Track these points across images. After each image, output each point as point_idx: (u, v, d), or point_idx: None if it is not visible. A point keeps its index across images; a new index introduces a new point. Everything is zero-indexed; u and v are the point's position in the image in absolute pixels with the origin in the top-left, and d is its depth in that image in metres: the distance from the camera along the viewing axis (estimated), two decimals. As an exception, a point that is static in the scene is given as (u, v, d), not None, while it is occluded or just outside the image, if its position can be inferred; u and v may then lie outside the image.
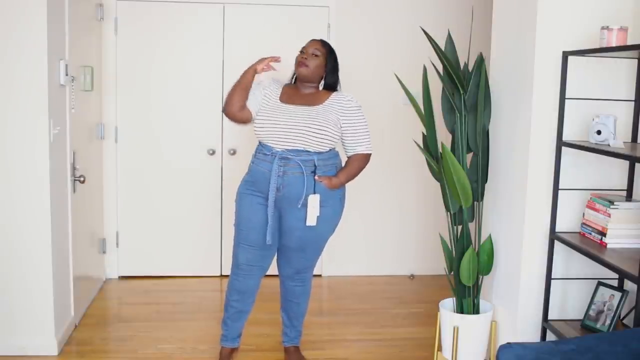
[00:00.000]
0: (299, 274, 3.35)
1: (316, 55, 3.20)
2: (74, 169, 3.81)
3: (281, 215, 3.19)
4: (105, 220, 4.78)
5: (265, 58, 3.22)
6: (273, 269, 3.39)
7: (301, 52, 3.23)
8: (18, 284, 3.41)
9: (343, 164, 3.28)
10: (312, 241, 3.23)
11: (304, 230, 3.17)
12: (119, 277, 4.85)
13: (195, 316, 4.14)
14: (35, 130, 3.33)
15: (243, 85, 3.17)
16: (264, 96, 3.21)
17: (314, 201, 3.10)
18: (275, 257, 3.36)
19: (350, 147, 3.22)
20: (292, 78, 3.31)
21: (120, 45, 4.67)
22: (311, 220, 3.12)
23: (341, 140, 3.21)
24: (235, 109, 3.16)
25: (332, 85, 3.26)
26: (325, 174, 3.13)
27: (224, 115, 3.27)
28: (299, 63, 3.19)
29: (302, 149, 3.08)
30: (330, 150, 3.19)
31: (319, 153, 3.12)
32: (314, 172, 3.10)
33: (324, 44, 3.27)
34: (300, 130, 3.07)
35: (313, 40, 3.29)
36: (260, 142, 3.18)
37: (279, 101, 3.19)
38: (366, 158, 3.25)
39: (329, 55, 3.25)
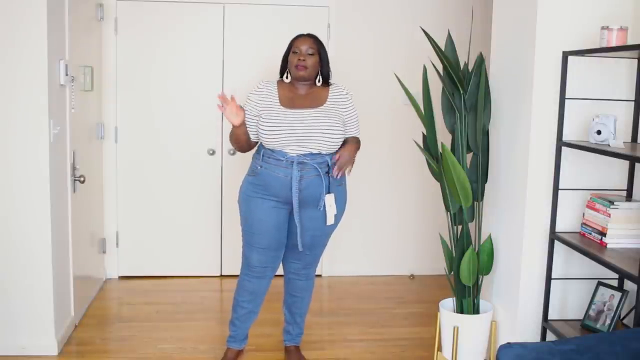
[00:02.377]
0: (305, 268, 3.37)
1: (311, 54, 3.15)
2: (74, 169, 3.81)
3: (292, 216, 3.19)
4: (105, 220, 4.78)
5: (225, 102, 3.05)
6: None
7: (294, 52, 3.17)
8: (18, 284, 3.41)
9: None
10: (322, 238, 3.28)
11: (316, 229, 3.19)
12: (119, 277, 4.85)
13: (195, 316, 4.14)
14: (35, 130, 3.33)
15: (240, 136, 3.17)
16: (258, 106, 3.16)
17: (330, 200, 3.13)
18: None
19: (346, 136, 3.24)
20: (286, 75, 3.23)
21: (120, 45, 4.67)
22: (331, 220, 3.17)
23: None
24: (246, 150, 3.27)
25: (327, 78, 3.25)
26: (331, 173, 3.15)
27: (224, 116, 3.24)
28: (297, 67, 3.13)
29: (316, 152, 3.09)
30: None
31: (330, 154, 3.14)
32: (328, 173, 3.12)
33: (315, 40, 3.20)
34: (315, 135, 3.06)
35: (303, 37, 3.20)
36: (268, 148, 3.13)
37: (281, 106, 3.13)
38: (359, 140, 3.31)
39: (321, 50, 3.21)
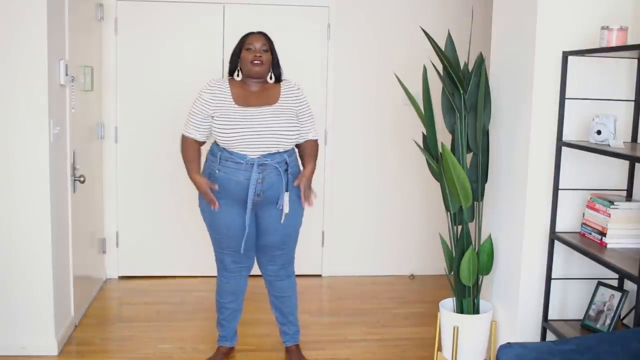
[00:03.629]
0: (283, 268, 3.37)
1: (265, 51, 3.15)
2: (74, 169, 3.81)
3: (258, 216, 3.21)
4: (105, 220, 4.78)
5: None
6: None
7: (248, 49, 3.14)
8: (18, 284, 3.41)
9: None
10: (291, 235, 3.29)
11: (283, 227, 3.21)
12: (119, 277, 4.85)
13: (195, 316, 4.14)
14: (35, 130, 3.33)
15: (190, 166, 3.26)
16: (210, 105, 3.13)
17: (285, 198, 3.15)
18: (256, 258, 3.39)
19: (302, 134, 3.24)
20: (237, 73, 3.20)
21: (120, 45, 4.67)
22: (283, 219, 3.18)
23: None
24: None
25: (279, 76, 3.24)
26: (292, 168, 3.17)
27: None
28: (253, 63, 3.11)
29: (275, 151, 3.09)
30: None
31: (287, 151, 3.15)
32: (287, 171, 3.13)
33: (267, 38, 3.19)
34: (271, 133, 3.06)
35: (255, 35, 3.18)
36: (225, 149, 3.12)
37: (235, 105, 3.11)
38: (317, 144, 3.32)
39: (272, 47, 3.20)
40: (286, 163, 3.13)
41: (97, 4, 4.48)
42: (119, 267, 4.86)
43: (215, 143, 3.20)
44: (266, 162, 3.07)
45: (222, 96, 3.14)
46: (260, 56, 3.11)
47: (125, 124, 4.74)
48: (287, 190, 3.14)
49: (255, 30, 3.26)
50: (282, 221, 3.17)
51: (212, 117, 3.12)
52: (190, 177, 3.22)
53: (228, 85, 3.18)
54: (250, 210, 3.12)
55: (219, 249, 3.32)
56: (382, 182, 5.00)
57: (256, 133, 3.05)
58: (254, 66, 3.11)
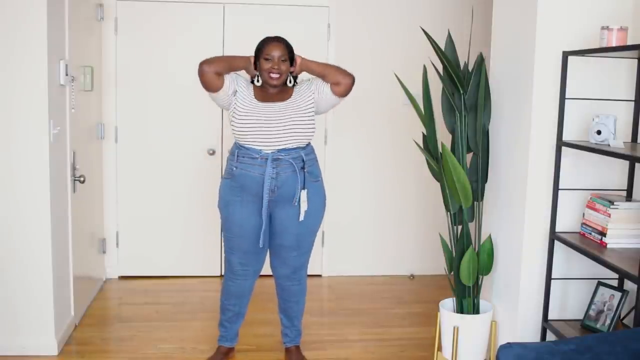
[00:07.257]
0: (295, 272, 3.36)
1: (284, 61, 3.13)
2: (74, 169, 3.81)
3: (273, 215, 3.20)
4: (105, 220, 4.78)
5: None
6: (269, 269, 3.42)
7: (266, 59, 3.11)
8: (18, 284, 3.41)
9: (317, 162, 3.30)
10: (306, 236, 3.27)
11: (298, 227, 3.20)
12: (119, 277, 4.85)
13: (195, 316, 4.14)
14: (35, 130, 3.33)
15: (233, 65, 3.17)
16: (237, 91, 3.15)
17: (303, 196, 3.14)
18: (269, 260, 3.37)
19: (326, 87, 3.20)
20: (257, 78, 3.20)
21: (120, 45, 4.67)
22: (302, 216, 3.17)
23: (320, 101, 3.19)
24: (214, 71, 3.07)
25: (296, 78, 3.26)
26: (310, 167, 3.16)
27: (211, 98, 3.19)
28: (270, 76, 3.11)
29: (290, 146, 3.10)
30: (309, 143, 3.23)
31: (303, 148, 3.15)
32: (303, 168, 3.13)
33: (286, 45, 3.18)
34: (287, 127, 3.08)
35: (274, 44, 3.14)
36: (242, 145, 3.13)
37: (254, 100, 3.15)
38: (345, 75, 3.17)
39: (291, 54, 3.19)
40: (302, 160, 3.13)
41: (97, 4, 4.48)
42: (119, 267, 4.85)
43: (234, 143, 3.21)
44: (280, 157, 3.08)
45: (246, 89, 3.18)
46: (277, 68, 3.11)
47: (125, 124, 4.74)
48: (304, 189, 3.14)
49: (272, 35, 3.22)
50: (301, 218, 3.16)
51: (235, 92, 3.13)
52: (240, 59, 3.21)
53: (249, 83, 3.22)
54: (267, 204, 3.12)
55: (228, 249, 3.30)
56: (382, 182, 5.00)
57: (270, 127, 3.07)
58: (272, 79, 3.13)
